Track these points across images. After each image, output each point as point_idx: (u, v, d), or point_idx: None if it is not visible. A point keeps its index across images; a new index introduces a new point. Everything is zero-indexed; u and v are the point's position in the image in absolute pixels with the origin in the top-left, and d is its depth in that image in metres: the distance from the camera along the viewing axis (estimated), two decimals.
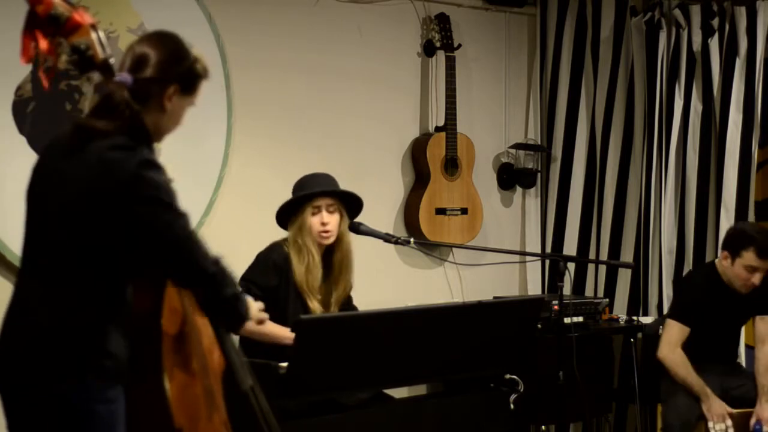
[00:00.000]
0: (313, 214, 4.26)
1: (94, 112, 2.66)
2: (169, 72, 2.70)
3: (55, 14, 2.60)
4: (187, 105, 2.77)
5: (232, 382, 2.86)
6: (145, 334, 2.69)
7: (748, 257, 4.83)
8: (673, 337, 4.96)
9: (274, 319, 4.21)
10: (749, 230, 4.95)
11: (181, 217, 2.64)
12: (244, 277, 4.24)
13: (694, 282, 5.17)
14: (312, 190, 4.26)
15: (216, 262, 2.69)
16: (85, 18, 2.64)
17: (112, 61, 2.65)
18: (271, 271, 4.24)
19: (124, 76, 2.64)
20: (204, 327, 2.82)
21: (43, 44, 2.60)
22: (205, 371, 2.81)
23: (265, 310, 4.14)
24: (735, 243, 4.90)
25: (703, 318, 4.96)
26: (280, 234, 4.36)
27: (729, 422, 4.88)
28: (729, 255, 4.90)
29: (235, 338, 3.01)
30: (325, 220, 4.25)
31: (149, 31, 2.83)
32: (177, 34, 2.77)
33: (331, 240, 4.29)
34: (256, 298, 4.15)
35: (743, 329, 5.29)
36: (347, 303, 4.49)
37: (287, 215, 4.31)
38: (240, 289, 2.80)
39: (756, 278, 4.86)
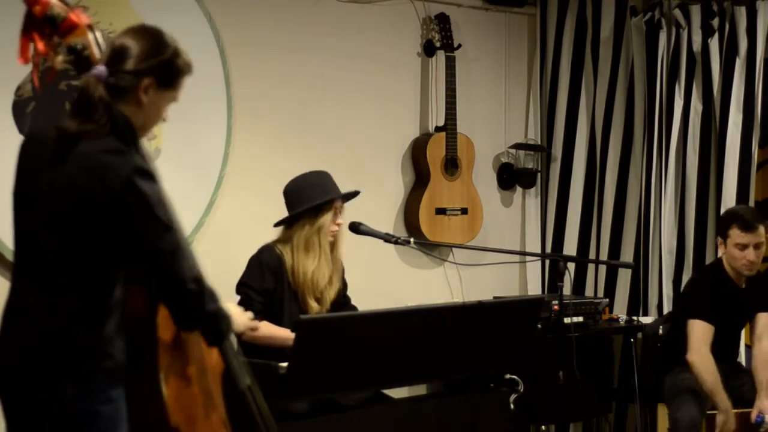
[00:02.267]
0: (332, 215, 4.31)
1: (73, 110, 2.59)
2: (144, 64, 2.62)
3: (52, 15, 2.60)
4: (167, 100, 2.70)
5: (231, 381, 2.86)
6: (141, 330, 2.69)
7: (734, 235, 4.89)
8: (703, 338, 4.87)
9: (273, 321, 4.22)
10: (732, 210, 5.12)
11: (168, 230, 2.58)
12: (241, 283, 4.25)
13: (705, 279, 5.15)
14: (334, 194, 4.30)
15: (196, 280, 2.61)
16: (81, 18, 2.62)
17: None
18: (266, 274, 4.24)
19: (100, 69, 2.59)
20: None
21: (40, 45, 2.59)
22: (203, 371, 2.81)
23: (264, 312, 4.17)
24: (722, 226, 5.01)
25: (714, 316, 4.95)
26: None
27: None
28: (722, 240, 4.97)
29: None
30: (339, 221, 4.33)
31: (132, 25, 2.75)
32: (159, 28, 2.70)
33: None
34: (256, 302, 4.18)
35: (743, 331, 5.28)
36: (346, 303, 4.49)
37: (299, 215, 4.30)
38: (219, 307, 2.69)
39: (750, 254, 4.88)
